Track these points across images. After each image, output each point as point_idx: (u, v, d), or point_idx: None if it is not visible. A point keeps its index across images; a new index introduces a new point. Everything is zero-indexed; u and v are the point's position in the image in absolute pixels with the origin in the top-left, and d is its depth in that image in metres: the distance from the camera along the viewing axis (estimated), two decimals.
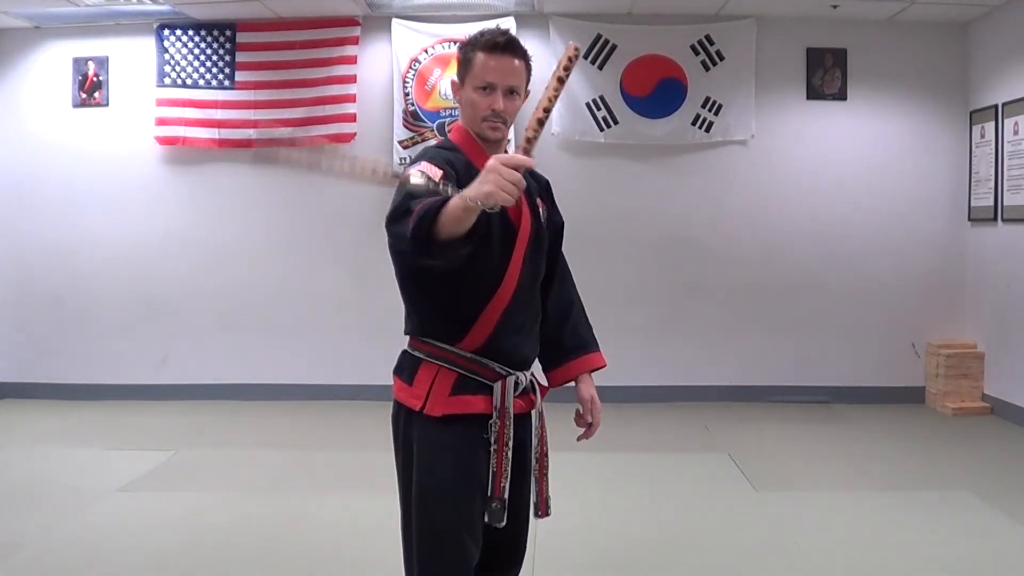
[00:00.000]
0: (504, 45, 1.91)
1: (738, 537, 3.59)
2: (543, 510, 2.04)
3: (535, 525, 2.07)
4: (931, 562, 3.31)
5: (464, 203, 1.53)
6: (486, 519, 1.90)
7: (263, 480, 4.42)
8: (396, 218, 1.73)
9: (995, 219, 5.81)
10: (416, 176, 1.64)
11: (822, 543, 3.49)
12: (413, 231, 1.62)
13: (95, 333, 6.33)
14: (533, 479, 2.03)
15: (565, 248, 2.18)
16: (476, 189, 1.52)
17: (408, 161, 2.10)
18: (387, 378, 2.03)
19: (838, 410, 6.01)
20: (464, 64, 1.95)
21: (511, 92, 1.94)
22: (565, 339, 2.15)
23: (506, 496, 1.90)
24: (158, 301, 6.30)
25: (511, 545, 2.06)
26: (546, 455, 2.05)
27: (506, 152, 1.95)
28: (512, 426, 1.92)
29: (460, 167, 1.87)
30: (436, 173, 1.75)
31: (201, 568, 3.29)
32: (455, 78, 2.00)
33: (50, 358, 6.36)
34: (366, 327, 6.07)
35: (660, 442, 5.19)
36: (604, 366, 2.19)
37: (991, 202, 5.84)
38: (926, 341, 6.21)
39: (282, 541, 3.55)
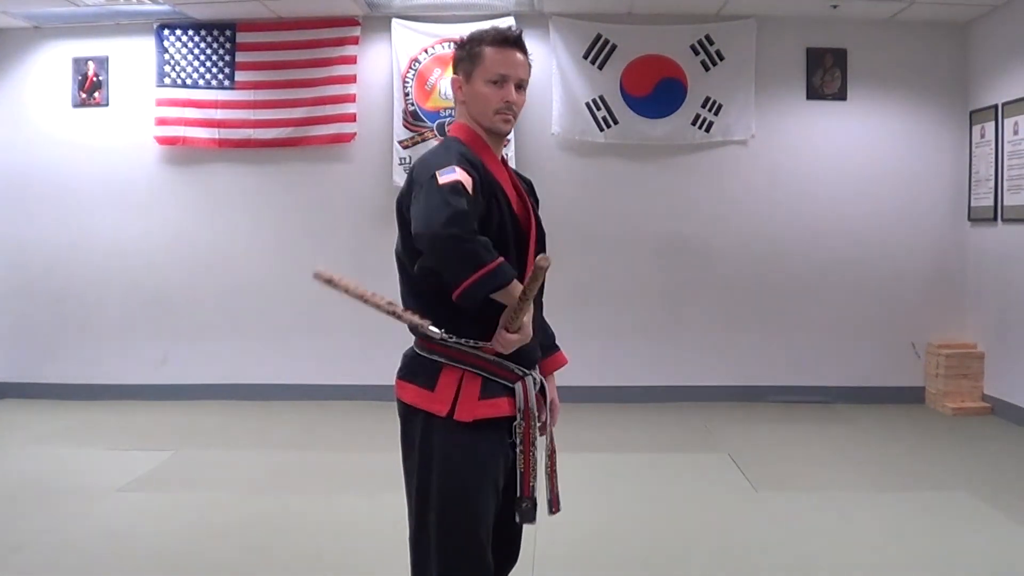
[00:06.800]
0: (515, 40, 1.95)
1: (738, 537, 3.59)
2: (556, 506, 2.05)
3: (537, 524, 2.08)
4: (930, 562, 3.31)
5: (517, 304, 1.74)
6: (517, 519, 1.93)
7: (263, 480, 4.42)
8: (453, 222, 1.71)
9: (995, 219, 5.81)
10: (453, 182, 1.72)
11: (822, 543, 3.49)
12: (478, 281, 1.72)
13: (95, 333, 6.33)
14: (545, 476, 2.03)
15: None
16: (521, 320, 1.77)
17: (410, 161, 2.12)
18: (387, 378, 2.03)
19: (838, 410, 6.00)
20: (471, 59, 1.95)
21: (519, 86, 1.95)
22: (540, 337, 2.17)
23: (536, 495, 1.92)
24: (158, 301, 6.30)
25: (511, 541, 2.07)
26: (555, 452, 2.06)
27: (506, 156, 1.97)
28: (536, 426, 1.94)
29: (479, 167, 1.87)
30: (468, 181, 1.78)
31: (201, 568, 3.28)
32: (457, 75, 2.00)
33: (50, 358, 6.36)
34: (366, 327, 6.05)
35: (660, 442, 5.18)
36: (567, 363, 2.22)
37: (991, 202, 5.84)
38: (926, 341, 6.21)
39: (282, 541, 3.55)
